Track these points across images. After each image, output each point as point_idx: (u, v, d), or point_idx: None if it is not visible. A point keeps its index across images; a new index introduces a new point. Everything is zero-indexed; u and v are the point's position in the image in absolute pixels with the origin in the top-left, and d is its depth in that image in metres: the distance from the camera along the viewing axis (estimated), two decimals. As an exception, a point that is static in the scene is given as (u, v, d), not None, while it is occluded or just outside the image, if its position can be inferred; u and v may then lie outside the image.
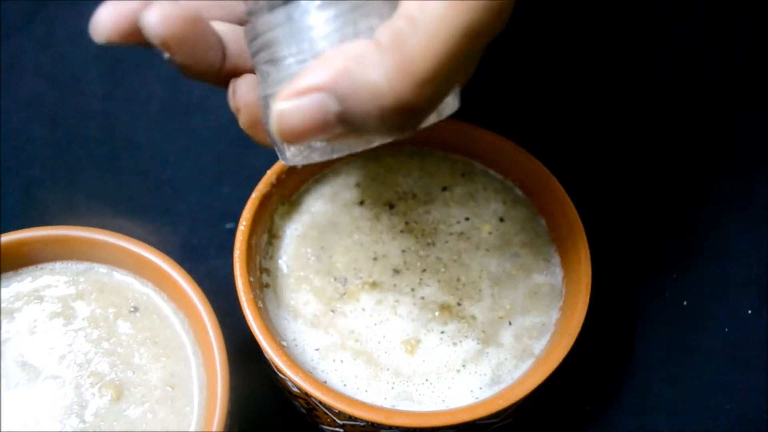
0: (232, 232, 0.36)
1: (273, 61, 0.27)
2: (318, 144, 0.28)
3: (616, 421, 0.39)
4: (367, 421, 0.32)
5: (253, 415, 0.38)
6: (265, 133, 0.30)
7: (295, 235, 0.39)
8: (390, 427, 0.32)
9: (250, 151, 0.47)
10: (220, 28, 0.31)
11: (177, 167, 0.47)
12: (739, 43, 0.51)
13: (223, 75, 0.31)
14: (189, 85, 0.50)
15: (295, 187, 0.40)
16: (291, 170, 0.38)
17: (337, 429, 0.35)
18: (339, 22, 0.26)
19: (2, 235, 0.35)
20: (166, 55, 0.28)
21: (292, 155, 0.29)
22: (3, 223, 0.44)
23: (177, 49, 0.28)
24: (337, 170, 0.41)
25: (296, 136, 0.25)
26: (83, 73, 0.50)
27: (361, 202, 0.40)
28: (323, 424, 0.36)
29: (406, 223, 0.39)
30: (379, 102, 0.24)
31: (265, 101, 0.28)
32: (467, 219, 0.39)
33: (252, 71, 0.30)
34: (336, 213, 0.39)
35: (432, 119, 0.28)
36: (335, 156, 0.29)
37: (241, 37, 0.30)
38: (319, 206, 0.40)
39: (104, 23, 0.28)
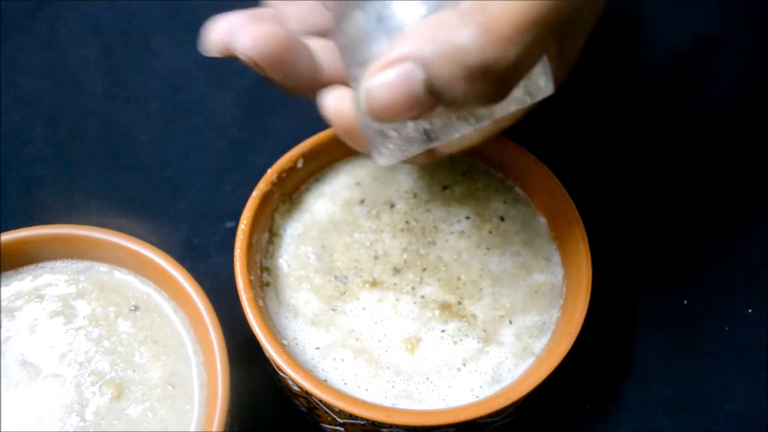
0: (233, 231, 0.36)
1: (366, 64, 0.27)
2: (412, 132, 0.27)
3: (616, 420, 0.39)
4: (367, 420, 0.32)
5: (254, 414, 0.38)
6: (362, 139, 0.30)
7: (296, 234, 0.39)
8: (390, 426, 0.32)
9: (250, 149, 0.47)
10: (315, 44, 0.32)
11: (177, 166, 0.47)
12: (740, 43, 0.50)
13: (321, 89, 0.32)
14: (189, 83, 0.50)
15: (295, 185, 0.40)
16: (292, 169, 0.38)
17: (338, 428, 0.35)
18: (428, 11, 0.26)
19: (3, 233, 0.35)
20: (261, 73, 0.30)
21: (391, 152, 0.28)
22: (3, 221, 0.44)
23: (268, 69, 0.30)
24: (337, 169, 0.41)
25: (387, 113, 0.25)
26: (84, 71, 0.50)
27: (362, 201, 0.40)
28: (324, 423, 0.36)
29: (407, 222, 0.39)
30: (464, 61, 0.24)
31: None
32: (468, 218, 0.39)
33: (345, 83, 0.31)
34: (337, 212, 0.39)
35: (526, 99, 0.27)
36: (432, 145, 0.28)
37: (335, 51, 0.31)
38: (319, 205, 0.40)
39: (216, 39, 0.31)
